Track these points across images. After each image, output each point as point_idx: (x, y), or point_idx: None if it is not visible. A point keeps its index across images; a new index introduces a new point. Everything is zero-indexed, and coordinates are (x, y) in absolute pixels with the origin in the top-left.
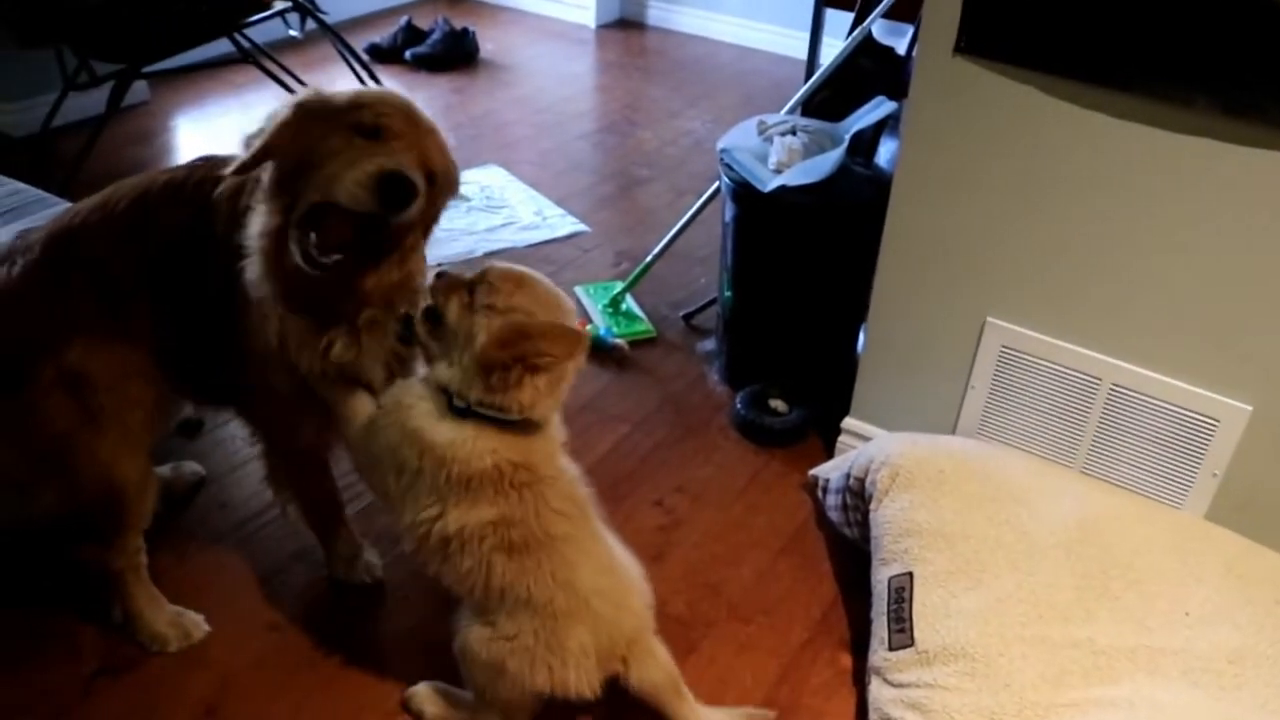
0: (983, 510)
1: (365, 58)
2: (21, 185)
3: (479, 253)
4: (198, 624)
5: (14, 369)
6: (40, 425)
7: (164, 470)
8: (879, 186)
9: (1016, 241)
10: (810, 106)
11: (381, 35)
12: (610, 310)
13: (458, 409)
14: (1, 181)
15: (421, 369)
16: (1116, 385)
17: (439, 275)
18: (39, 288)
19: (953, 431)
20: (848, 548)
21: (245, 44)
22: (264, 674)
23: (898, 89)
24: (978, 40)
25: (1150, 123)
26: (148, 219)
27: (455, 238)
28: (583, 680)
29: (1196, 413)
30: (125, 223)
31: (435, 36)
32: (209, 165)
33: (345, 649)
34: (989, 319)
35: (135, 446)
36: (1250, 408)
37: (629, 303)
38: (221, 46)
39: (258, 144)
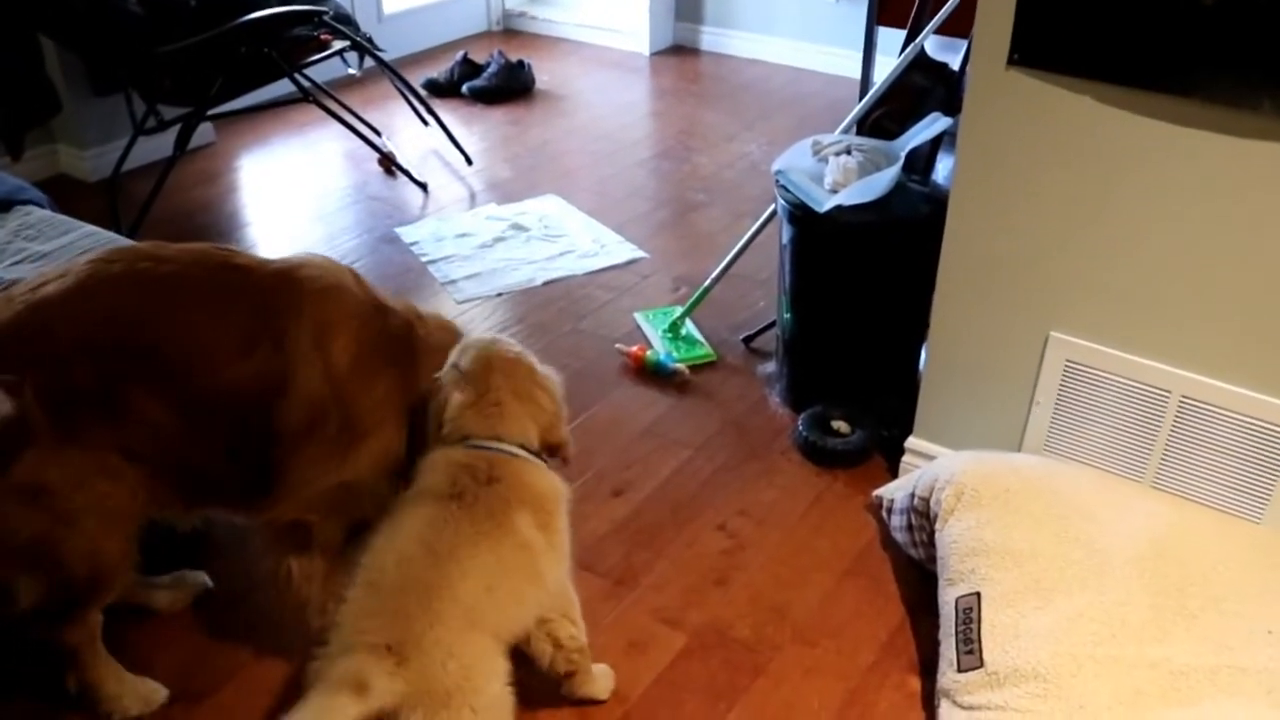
0: (1051, 528)
1: (423, 93)
2: (95, 228)
3: (538, 281)
4: (157, 689)
5: None
6: (10, 533)
7: (165, 580)
8: (936, 203)
9: (1078, 254)
10: (865, 125)
11: (439, 70)
12: (670, 335)
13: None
14: (77, 225)
15: None
16: (1187, 397)
17: None
18: None
19: (1018, 449)
20: (914, 568)
21: (306, 84)
22: None
23: (952, 105)
24: (1031, 52)
25: (1213, 128)
26: (104, 308)
27: (515, 267)
28: None
29: (1271, 423)
30: (87, 310)
31: (491, 70)
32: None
33: None
34: (1052, 333)
35: (118, 531)
36: None
37: (689, 327)
38: (283, 87)
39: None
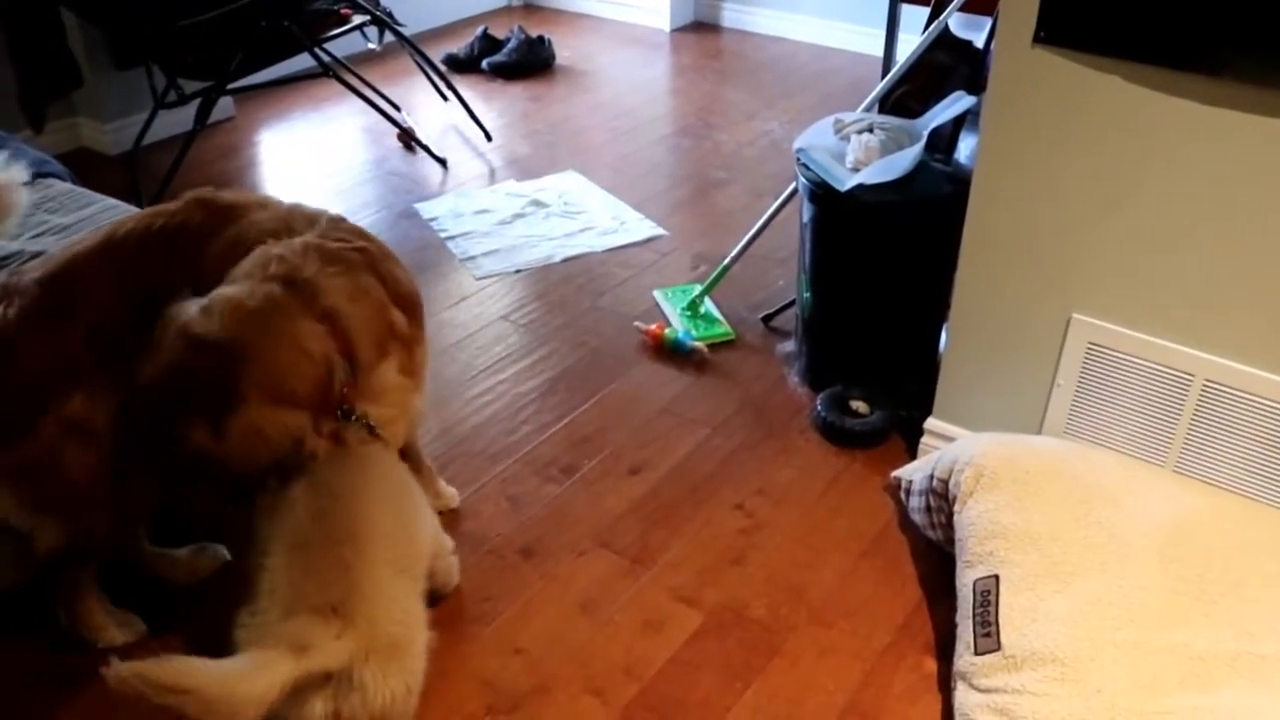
0: (1071, 511)
1: (443, 68)
2: (115, 201)
3: (557, 258)
4: (136, 621)
5: (13, 420)
6: (51, 475)
7: (183, 553)
8: (959, 183)
9: (1102, 235)
10: (887, 103)
11: (458, 45)
12: (689, 313)
13: None
14: (98, 198)
15: None
16: (1210, 381)
17: None
18: (38, 334)
19: (1038, 431)
20: (932, 550)
21: (326, 59)
22: None
23: (976, 83)
24: (1057, 30)
25: (1243, 108)
26: (143, 265)
27: (534, 243)
28: None
29: None
30: (123, 267)
31: (511, 45)
32: (203, 208)
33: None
34: (1075, 315)
35: (145, 483)
36: None
37: (707, 305)
38: (303, 62)
39: None
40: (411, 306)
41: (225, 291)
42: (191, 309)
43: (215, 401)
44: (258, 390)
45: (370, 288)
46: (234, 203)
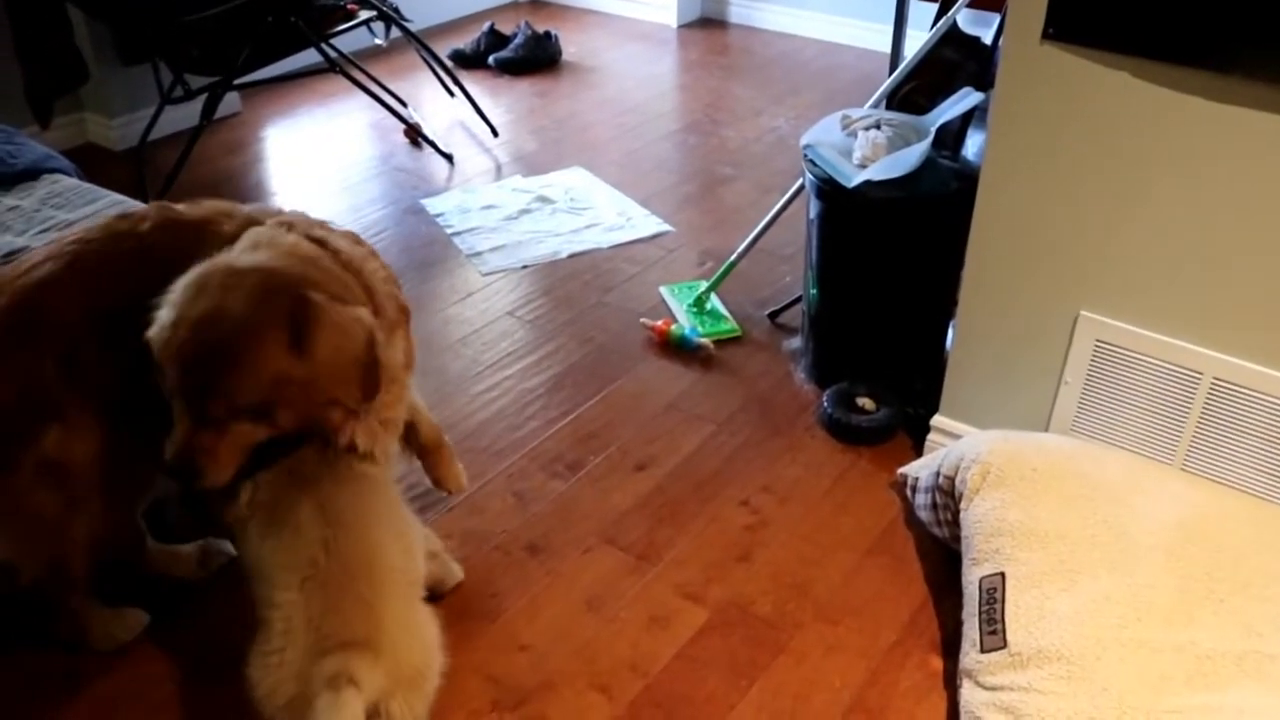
0: (1077, 509)
1: (449, 64)
2: (121, 197)
3: (564, 254)
4: (138, 614)
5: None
6: (24, 511)
7: (189, 549)
8: (966, 179)
9: (1110, 233)
10: (895, 100)
11: (465, 41)
12: (695, 310)
13: None
14: (104, 193)
15: None
16: (1218, 379)
17: None
18: (6, 367)
19: (1045, 429)
20: (938, 548)
21: (332, 54)
22: None
23: (984, 80)
24: (1066, 26)
25: (1253, 105)
26: (111, 289)
27: (540, 239)
28: None
29: None
30: (87, 287)
31: (518, 41)
32: (169, 228)
33: None
34: (1082, 313)
35: (123, 512)
36: None
37: (714, 302)
38: (309, 57)
39: None
40: (398, 281)
41: (259, 232)
42: (224, 258)
43: (289, 313)
44: (329, 298)
45: (369, 255)
46: (199, 218)
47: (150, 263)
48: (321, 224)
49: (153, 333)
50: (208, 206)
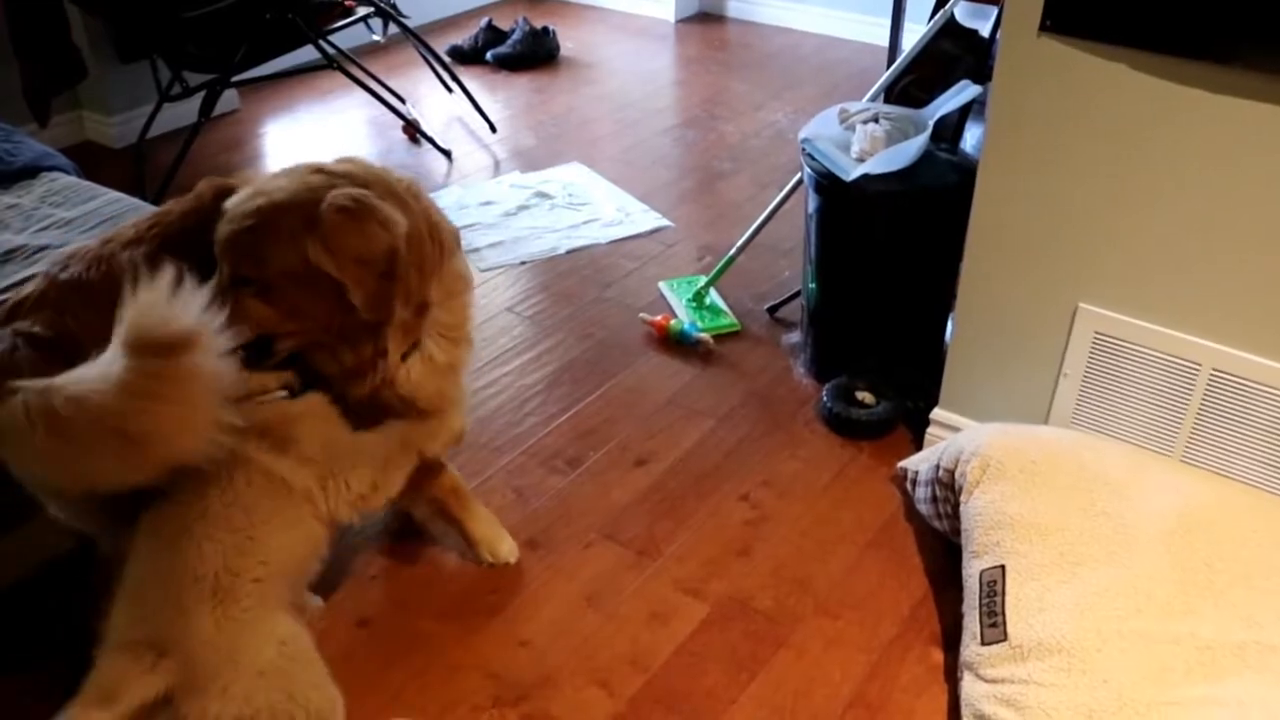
0: (1077, 501)
1: (447, 60)
2: (120, 195)
3: (562, 250)
4: None
5: None
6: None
7: None
8: (964, 173)
9: (1108, 225)
10: (893, 93)
11: (463, 37)
12: (694, 304)
13: None
14: (102, 191)
15: None
16: (1217, 370)
17: None
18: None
19: (1045, 421)
20: (938, 541)
21: (330, 51)
22: (353, 668)
23: (982, 72)
24: (1063, 18)
25: (1251, 96)
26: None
27: (539, 235)
28: None
29: None
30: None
31: (516, 36)
32: (215, 187)
33: (435, 645)
34: (1081, 305)
35: None
36: None
37: (713, 297)
38: (307, 54)
39: None
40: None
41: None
42: (295, 169)
43: (310, 205)
44: (404, 210)
45: (413, 186)
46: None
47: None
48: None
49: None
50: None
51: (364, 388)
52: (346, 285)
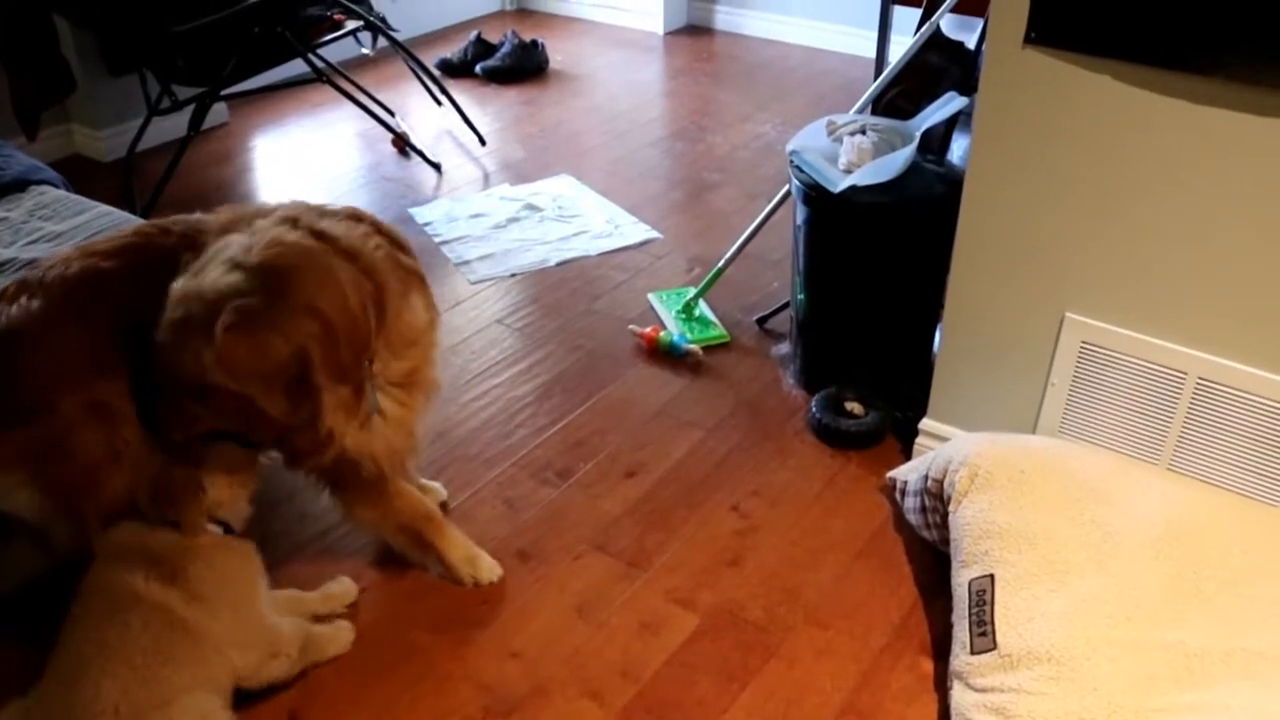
0: (1065, 510)
1: (436, 73)
2: (109, 208)
3: (552, 262)
4: None
5: (38, 400)
6: (67, 456)
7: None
8: (951, 184)
9: (1094, 235)
10: (880, 105)
11: (452, 50)
12: (684, 316)
13: None
14: (91, 205)
15: None
16: (1203, 379)
17: None
18: (63, 327)
19: (1033, 430)
20: (927, 550)
21: (319, 64)
22: (347, 679)
23: (968, 84)
24: (1048, 30)
25: (1234, 107)
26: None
27: (529, 247)
28: None
29: None
30: (144, 272)
31: (505, 49)
32: (187, 228)
33: (427, 657)
34: (1068, 314)
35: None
36: None
37: (702, 308)
38: (297, 67)
39: None
40: (406, 245)
41: (261, 228)
42: (233, 244)
43: (212, 326)
44: (316, 304)
45: (377, 239)
46: (219, 224)
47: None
48: (321, 211)
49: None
50: (225, 215)
51: (320, 463)
52: (255, 399)
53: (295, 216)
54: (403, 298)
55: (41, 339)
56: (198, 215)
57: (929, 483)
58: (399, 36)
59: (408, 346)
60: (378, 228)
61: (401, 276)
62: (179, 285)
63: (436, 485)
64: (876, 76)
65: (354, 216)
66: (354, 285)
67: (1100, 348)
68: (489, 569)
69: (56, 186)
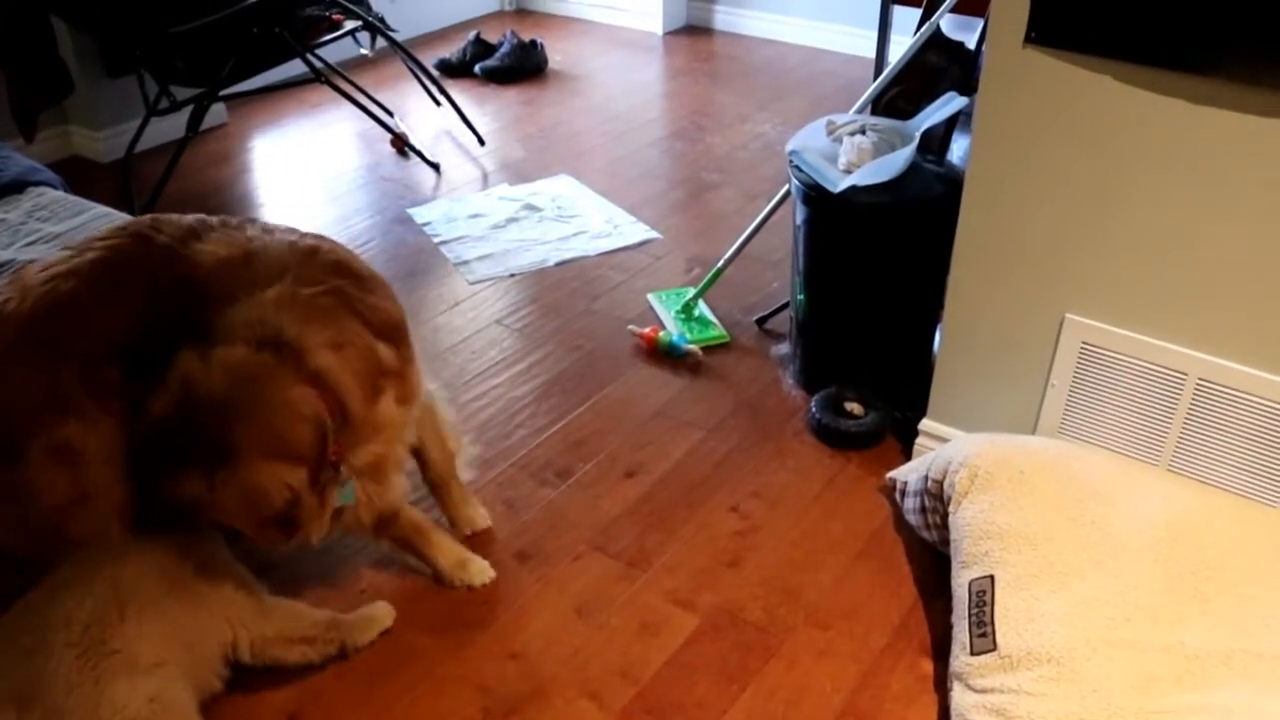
0: (1065, 511)
1: (435, 73)
2: (108, 209)
3: (551, 262)
4: None
5: (6, 442)
6: (33, 499)
7: None
8: (951, 184)
9: (1094, 235)
10: (879, 105)
11: (451, 50)
12: (683, 316)
13: None
14: (90, 206)
15: None
16: (1204, 380)
17: None
18: (28, 364)
19: (1033, 431)
20: (927, 551)
21: (318, 64)
22: (346, 680)
23: (968, 84)
24: (1048, 30)
25: (1235, 107)
26: (125, 293)
27: (528, 247)
28: None
29: None
30: (106, 297)
31: (504, 49)
32: (154, 230)
33: (426, 659)
34: (1068, 315)
35: (126, 518)
36: None
37: (702, 308)
38: (295, 68)
39: None
40: (396, 334)
41: (221, 352)
42: (194, 361)
43: (210, 454)
44: (252, 449)
45: (353, 334)
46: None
47: (172, 291)
48: (305, 315)
49: None
50: (223, 240)
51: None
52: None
53: (273, 334)
54: (370, 401)
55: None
56: (189, 222)
57: (929, 483)
58: (398, 37)
59: (374, 434)
60: (345, 319)
61: (372, 381)
62: (161, 407)
63: (482, 512)
64: (876, 76)
65: (346, 306)
66: (316, 412)
67: (1100, 348)
68: (479, 572)
69: (55, 188)
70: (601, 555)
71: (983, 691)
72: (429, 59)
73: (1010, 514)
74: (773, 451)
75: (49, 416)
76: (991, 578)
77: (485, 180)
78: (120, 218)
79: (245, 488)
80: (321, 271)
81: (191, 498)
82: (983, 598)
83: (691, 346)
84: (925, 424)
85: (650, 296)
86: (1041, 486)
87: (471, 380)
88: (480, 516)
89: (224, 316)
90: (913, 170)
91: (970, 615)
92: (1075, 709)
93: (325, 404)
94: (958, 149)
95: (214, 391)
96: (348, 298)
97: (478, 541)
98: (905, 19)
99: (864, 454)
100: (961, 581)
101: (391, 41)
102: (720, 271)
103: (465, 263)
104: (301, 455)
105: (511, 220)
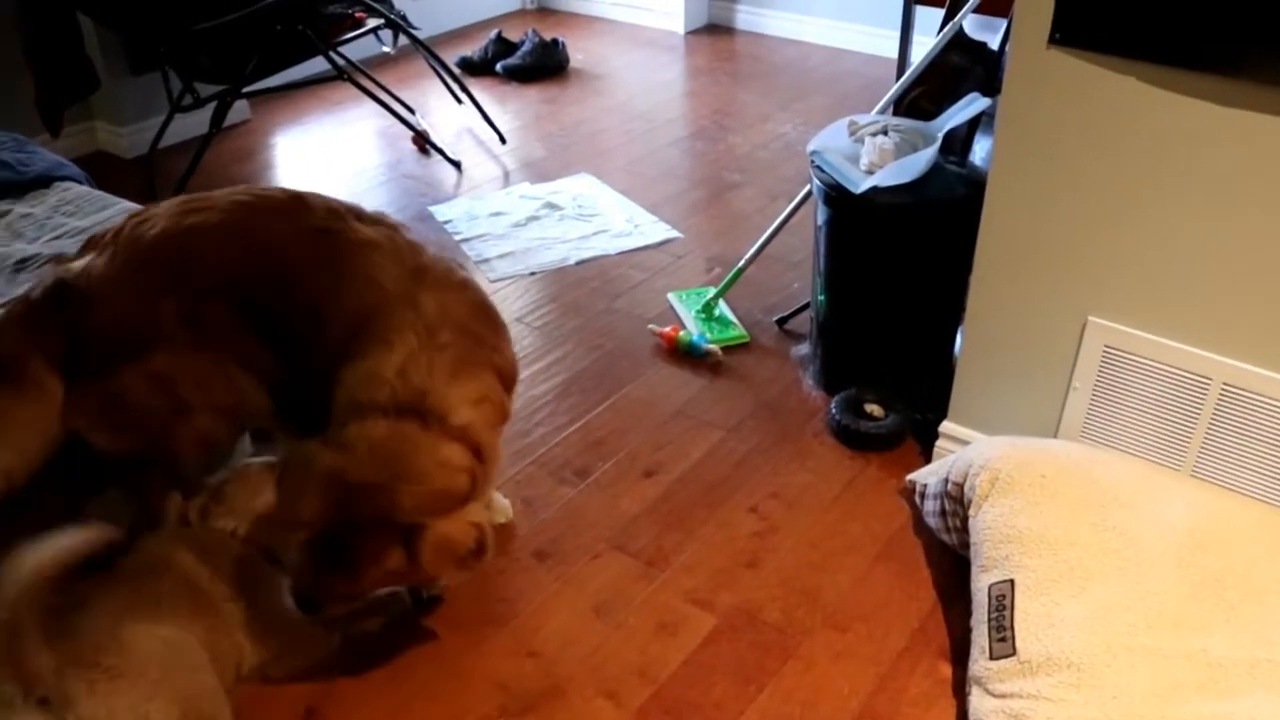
0: (1087, 516)
1: (457, 71)
2: (132, 204)
3: (572, 260)
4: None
5: (101, 361)
6: (130, 404)
7: None
8: (973, 185)
9: (1118, 238)
10: (902, 105)
11: (473, 48)
12: (703, 316)
13: None
14: (115, 200)
15: None
16: (1228, 385)
17: None
18: (133, 290)
19: (1054, 435)
20: (946, 554)
21: (340, 62)
22: (362, 679)
23: (991, 85)
24: (1072, 31)
25: (1262, 109)
26: (252, 239)
27: (549, 246)
28: None
29: None
30: (236, 248)
31: (526, 48)
32: (323, 238)
33: (443, 655)
34: (1091, 318)
35: (224, 425)
36: None
37: (722, 308)
38: (318, 65)
39: None
40: (512, 381)
41: (363, 431)
42: (326, 454)
43: (391, 533)
44: (429, 512)
45: (488, 387)
46: (356, 241)
47: (296, 266)
48: (451, 370)
49: None
50: (370, 227)
51: None
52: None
53: (417, 396)
54: (496, 444)
55: (110, 301)
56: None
57: (949, 486)
58: (420, 35)
59: (494, 465)
60: (498, 368)
61: (500, 426)
62: (310, 511)
63: (506, 504)
64: (899, 77)
65: (483, 351)
66: (468, 462)
67: (1124, 352)
68: (500, 511)
69: (80, 183)
70: (620, 554)
71: (1002, 696)
72: (451, 57)
73: (1031, 518)
74: (792, 452)
75: (142, 342)
76: (1011, 582)
77: (506, 178)
78: None
79: (439, 545)
80: (468, 313)
81: (393, 574)
82: (1002, 602)
83: (712, 346)
84: (946, 426)
85: (670, 296)
86: (1063, 491)
87: None
88: (502, 508)
89: (356, 368)
90: (935, 171)
91: (990, 619)
92: (1095, 715)
93: (469, 450)
94: (980, 150)
95: (369, 478)
96: (487, 348)
97: (497, 538)
98: (928, 19)
99: (884, 456)
100: (981, 585)
101: (414, 39)
102: (741, 271)
103: (486, 260)
104: (468, 496)
105: (532, 219)
